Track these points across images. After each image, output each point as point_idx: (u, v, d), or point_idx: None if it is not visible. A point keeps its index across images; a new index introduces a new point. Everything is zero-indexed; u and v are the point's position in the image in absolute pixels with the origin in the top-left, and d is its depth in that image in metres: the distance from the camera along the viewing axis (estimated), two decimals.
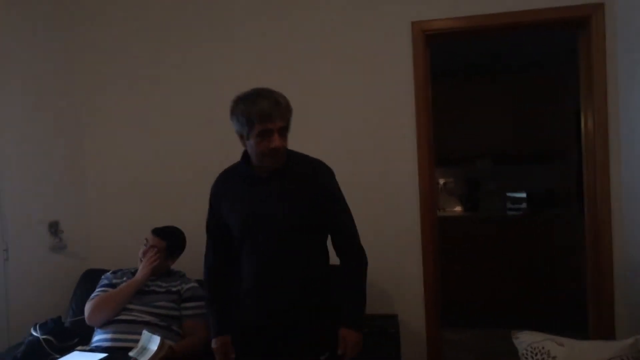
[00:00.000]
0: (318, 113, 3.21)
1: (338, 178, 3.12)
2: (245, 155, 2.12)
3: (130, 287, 2.80)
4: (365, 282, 2.22)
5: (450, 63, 5.11)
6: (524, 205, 5.34)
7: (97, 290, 2.87)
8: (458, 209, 5.74)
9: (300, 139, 3.19)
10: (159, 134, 3.45)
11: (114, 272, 2.96)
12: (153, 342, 2.50)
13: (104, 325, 2.73)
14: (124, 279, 2.90)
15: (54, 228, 3.33)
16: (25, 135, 3.26)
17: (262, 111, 1.91)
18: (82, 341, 2.80)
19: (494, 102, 5.39)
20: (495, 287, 5.02)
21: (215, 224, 2.21)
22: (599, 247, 2.93)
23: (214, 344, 2.22)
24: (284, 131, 1.99)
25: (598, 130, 2.89)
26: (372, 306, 2.94)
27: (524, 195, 5.37)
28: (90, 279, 3.15)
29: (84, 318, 2.95)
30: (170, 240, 2.96)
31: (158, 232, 2.97)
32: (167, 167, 3.43)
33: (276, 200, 2.04)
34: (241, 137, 2.02)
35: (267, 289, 2.07)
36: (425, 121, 3.04)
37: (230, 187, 2.15)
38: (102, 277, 2.96)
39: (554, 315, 4.66)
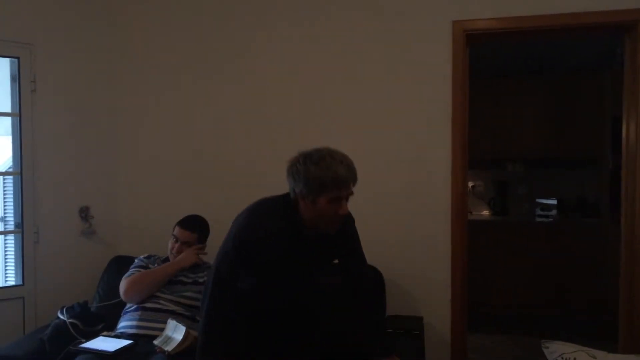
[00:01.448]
0: (353, 111, 3.17)
1: (372, 178, 3.12)
2: (292, 210, 1.98)
3: (172, 268, 2.81)
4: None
5: (485, 62, 5.03)
6: (553, 212, 5.23)
7: (131, 269, 2.88)
8: (486, 212, 5.66)
9: (335, 137, 3.18)
10: (190, 125, 3.45)
11: (147, 257, 2.98)
12: (178, 332, 2.50)
13: (131, 311, 2.74)
14: (156, 265, 2.91)
15: (85, 213, 3.37)
16: (60, 122, 3.31)
17: (339, 177, 1.84)
18: (108, 327, 2.82)
19: (529, 105, 5.28)
20: (521, 293, 4.94)
21: (241, 279, 1.98)
22: (635, 259, 2.85)
23: None
24: (349, 197, 1.94)
25: None
26: (398, 307, 2.93)
27: (554, 201, 5.26)
28: (118, 265, 3.16)
29: (110, 304, 2.98)
30: (199, 231, 2.96)
31: (186, 225, 2.95)
32: (197, 158, 3.44)
33: (322, 261, 2.07)
34: (302, 197, 1.91)
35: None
36: (461, 124, 2.98)
37: (275, 242, 1.95)
38: (135, 260, 2.97)
39: (580, 325, 4.57)
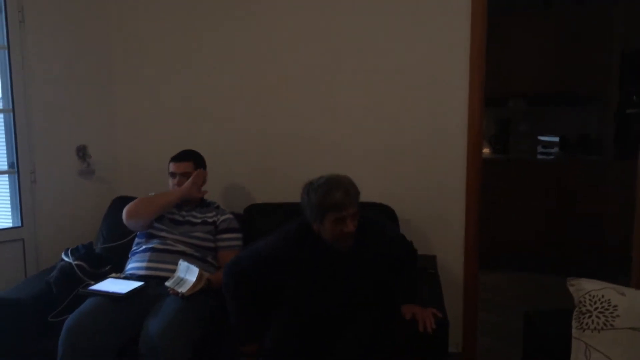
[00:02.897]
0: (370, 45, 3.01)
1: (386, 117, 3.01)
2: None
3: (174, 196, 2.71)
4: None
5: None
6: (555, 149, 5.17)
7: None
8: (486, 150, 5.58)
9: (347, 74, 3.04)
10: (191, 63, 3.27)
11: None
12: (190, 273, 2.42)
13: (139, 253, 2.66)
14: None
15: (82, 152, 3.23)
16: (53, 56, 3.11)
17: (336, 202, 2.05)
18: (115, 268, 2.74)
19: (534, 41, 5.11)
20: (522, 231, 4.93)
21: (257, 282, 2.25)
22: None
23: (247, 348, 2.24)
24: (355, 216, 2.10)
25: None
26: None
27: (556, 139, 5.19)
28: (120, 206, 3.00)
29: (115, 245, 2.89)
30: (194, 159, 2.85)
31: (179, 157, 2.84)
32: (198, 95, 3.29)
33: (348, 281, 2.19)
34: (313, 222, 2.14)
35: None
36: (479, 60, 2.82)
37: (301, 257, 2.19)
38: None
39: (581, 263, 4.59)
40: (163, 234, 2.69)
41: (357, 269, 2.19)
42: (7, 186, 3.12)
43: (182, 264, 2.48)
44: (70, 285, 2.56)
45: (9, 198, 3.14)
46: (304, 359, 2.14)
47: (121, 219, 2.81)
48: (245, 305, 2.24)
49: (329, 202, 2.05)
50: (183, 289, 2.36)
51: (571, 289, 2.16)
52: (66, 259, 2.67)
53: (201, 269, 2.43)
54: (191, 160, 2.83)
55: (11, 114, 2.99)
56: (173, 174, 2.81)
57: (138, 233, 2.78)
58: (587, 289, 2.10)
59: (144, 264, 2.58)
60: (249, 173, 3.25)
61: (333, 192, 2.06)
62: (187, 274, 2.44)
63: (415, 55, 2.95)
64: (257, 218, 2.96)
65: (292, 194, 3.04)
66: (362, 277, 2.21)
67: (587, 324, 2.01)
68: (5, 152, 3.09)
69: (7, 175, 3.09)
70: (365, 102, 3.05)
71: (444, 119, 2.95)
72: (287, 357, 2.14)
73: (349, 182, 2.13)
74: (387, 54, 2.99)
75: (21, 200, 3.05)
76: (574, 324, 2.06)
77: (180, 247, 2.64)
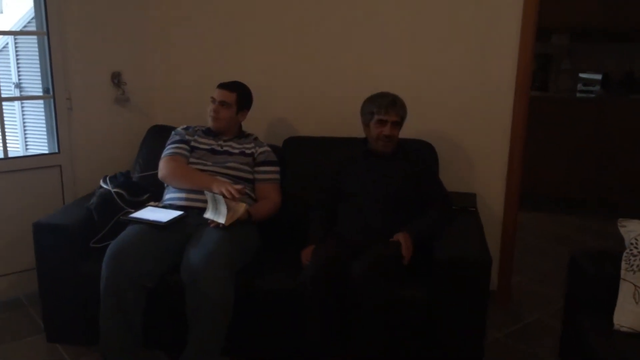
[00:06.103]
0: None
1: (432, 51, 2.90)
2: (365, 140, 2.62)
3: (205, 184, 2.51)
4: (441, 227, 2.43)
5: None
6: (597, 87, 4.97)
7: (171, 145, 2.72)
8: None
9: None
10: None
11: (185, 128, 2.80)
12: (219, 202, 2.36)
13: None
14: (195, 137, 2.76)
15: (117, 79, 3.17)
16: None
17: (381, 105, 2.46)
18: (153, 197, 2.73)
19: None
20: (559, 172, 4.83)
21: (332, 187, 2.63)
22: None
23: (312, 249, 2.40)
24: (396, 125, 2.47)
25: None
26: (451, 183, 2.82)
27: (598, 77, 4.98)
28: (157, 135, 3.02)
29: (151, 174, 2.86)
30: (238, 91, 2.75)
31: (226, 86, 2.74)
32: (233, 22, 3.17)
33: (385, 176, 2.51)
34: (365, 126, 2.55)
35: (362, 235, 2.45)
36: None
37: (352, 161, 2.61)
38: (173, 132, 2.80)
39: (619, 206, 4.51)
40: (200, 166, 2.65)
41: (393, 172, 2.51)
42: (42, 112, 3.10)
43: (208, 195, 2.41)
44: (110, 212, 2.57)
45: (44, 124, 3.14)
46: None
47: (158, 148, 2.80)
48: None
49: (378, 103, 2.46)
50: (222, 220, 2.34)
51: (622, 230, 2.11)
52: (105, 186, 2.67)
53: (239, 198, 2.40)
54: (235, 92, 2.73)
55: (45, 37, 2.92)
56: (213, 100, 2.73)
57: None
58: (638, 230, 2.04)
59: (183, 195, 2.56)
60: (288, 106, 3.18)
61: (384, 97, 2.49)
62: (218, 203, 2.39)
63: None
64: (294, 151, 2.92)
65: (330, 129, 3.00)
66: (396, 179, 2.50)
67: (638, 265, 1.97)
68: (40, 77, 3.06)
69: (42, 101, 3.07)
70: (409, 35, 2.92)
71: (492, 54, 2.83)
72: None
73: (398, 98, 2.51)
74: None
75: (58, 126, 3.03)
76: (624, 265, 2.02)
77: (219, 178, 2.59)
